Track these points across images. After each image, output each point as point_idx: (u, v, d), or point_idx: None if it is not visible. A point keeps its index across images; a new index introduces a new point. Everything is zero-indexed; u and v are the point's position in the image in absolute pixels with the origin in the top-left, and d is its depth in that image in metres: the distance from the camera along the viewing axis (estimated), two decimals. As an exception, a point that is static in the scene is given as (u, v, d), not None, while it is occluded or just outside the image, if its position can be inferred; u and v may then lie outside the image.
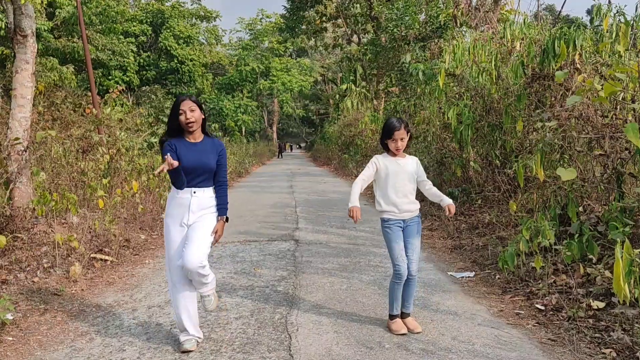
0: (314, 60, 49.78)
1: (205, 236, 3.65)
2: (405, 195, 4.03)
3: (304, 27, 30.51)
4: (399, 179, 4.01)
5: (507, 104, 7.27)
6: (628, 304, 3.74)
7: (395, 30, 18.35)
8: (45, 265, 5.60)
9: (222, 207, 3.80)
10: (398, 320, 4.00)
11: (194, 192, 3.68)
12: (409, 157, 4.16)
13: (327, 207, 10.92)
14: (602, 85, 5.28)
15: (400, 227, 4.00)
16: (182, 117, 3.61)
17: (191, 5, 35.61)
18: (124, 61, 26.44)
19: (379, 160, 4.09)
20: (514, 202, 6.48)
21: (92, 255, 6.19)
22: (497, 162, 8.05)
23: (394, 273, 3.95)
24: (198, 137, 3.75)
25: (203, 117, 3.75)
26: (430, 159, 10.59)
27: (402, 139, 3.99)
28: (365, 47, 24.91)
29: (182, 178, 3.61)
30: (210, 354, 3.62)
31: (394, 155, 4.07)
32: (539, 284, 4.80)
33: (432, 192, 4.16)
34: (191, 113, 3.60)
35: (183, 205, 3.67)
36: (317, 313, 4.43)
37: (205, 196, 3.72)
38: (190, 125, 3.63)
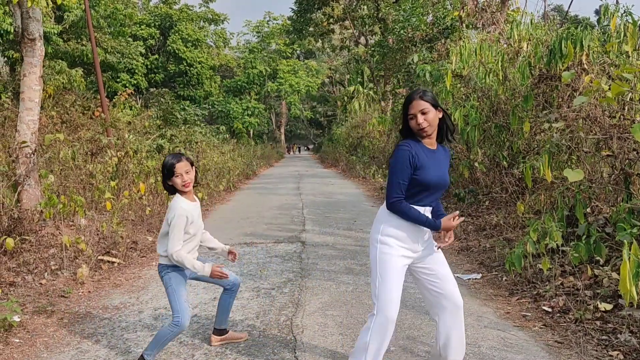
0: (321, 62, 49.81)
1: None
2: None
3: (311, 29, 30.58)
4: (200, 224, 3.57)
5: (514, 105, 7.24)
6: (635, 305, 3.71)
7: (402, 31, 18.34)
8: (53, 268, 5.64)
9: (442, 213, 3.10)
10: None
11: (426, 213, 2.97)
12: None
13: (334, 209, 10.91)
14: (609, 85, 5.24)
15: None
16: (412, 123, 2.89)
17: (199, 8, 35.79)
18: (132, 64, 26.59)
19: (184, 207, 3.42)
20: (521, 204, 6.45)
21: (99, 257, 6.22)
22: (505, 163, 8.01)
23: (178, 323, 3.37)
24: (434, 142, 2.98)
25: (440, 116, 2.95)
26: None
27: (187, 172, 3.42)
28: (373, 49, 24.91)
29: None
30: (215, 356, 3.63)
31: (184, 193, 3.47)
32: (546, 285, 4.77)
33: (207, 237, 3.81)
34: (423, 116, 2.84)
35: (415, 230, 2.93)
36: (322, 315, 4.43)
37: None
38: (423, 131, 2.87)
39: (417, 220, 2.85)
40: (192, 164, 3.48)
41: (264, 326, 4.20)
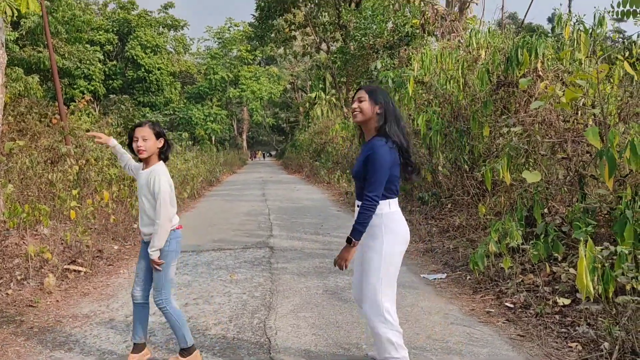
0: (282, 69, 49.91)
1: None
2: (144, 213, 3.46)
3: (272, 35, 30.68)
4: (141, 192, 3.44)
5: (474, 110, 7.50)
6: (592, 299, 3.92)
7: (363, 38, 18.63)
8: (19, 278, 5.54)
9: (354, 227, 3.00)
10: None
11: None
12: (155, 165, 3.45)
13: (300, 215, 11.00)
14: (563, 91, 5.53)
15: None
16: (354, 105, 3.09)
17: (158, 14, 35.42)
18: (89, 70, 26.10)
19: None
20: (482, 206, 6.69)
21: (65, 267, 6.14)
22: (466, 166, 8.27)
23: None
24: (367, 136, 3.13)
25: (378, 111, 3.02)
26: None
27: (144, 139, 3.36)
28: (335, 55, 25.18)
29: None
30: None
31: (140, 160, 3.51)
32: (508, 283, 4.99)
33: None
34: (358, 103, 3.05)
35: None
36: (294, 317, 4.51)
37: None
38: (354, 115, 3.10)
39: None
40: (158, 134, 3.40)
41: (238, 329, 4.26)
